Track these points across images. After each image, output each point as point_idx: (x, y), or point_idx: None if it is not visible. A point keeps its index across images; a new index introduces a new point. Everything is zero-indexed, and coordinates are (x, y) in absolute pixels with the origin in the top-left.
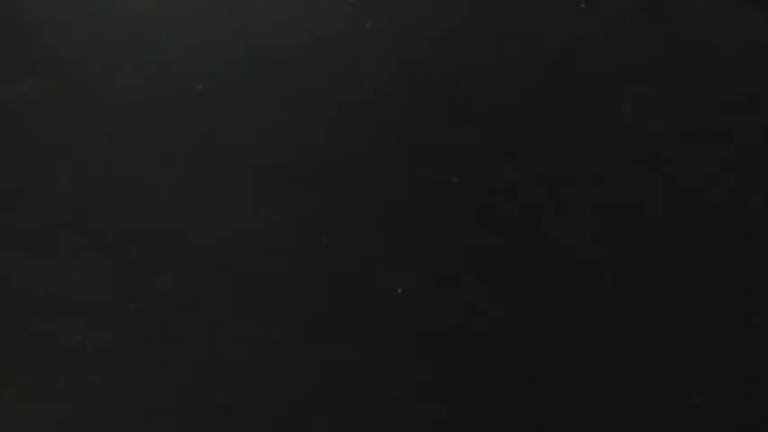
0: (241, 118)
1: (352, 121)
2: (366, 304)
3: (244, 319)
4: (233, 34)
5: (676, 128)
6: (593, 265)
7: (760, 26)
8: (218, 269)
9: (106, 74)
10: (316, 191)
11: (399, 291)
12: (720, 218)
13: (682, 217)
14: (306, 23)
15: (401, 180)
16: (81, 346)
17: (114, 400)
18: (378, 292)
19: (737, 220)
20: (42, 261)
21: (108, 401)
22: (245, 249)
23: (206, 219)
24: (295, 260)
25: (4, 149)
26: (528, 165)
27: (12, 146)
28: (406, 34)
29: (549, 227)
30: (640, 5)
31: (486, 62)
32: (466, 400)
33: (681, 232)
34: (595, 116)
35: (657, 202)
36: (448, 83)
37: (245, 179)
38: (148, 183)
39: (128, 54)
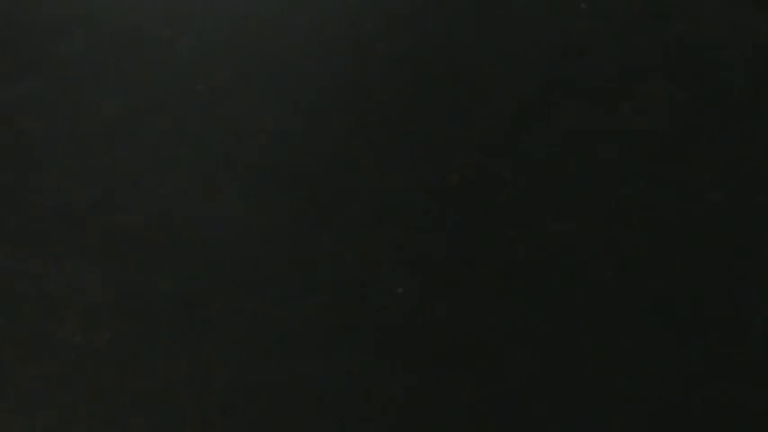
0: (241, 118)
1: (352, 120)
2: (366, 304)
3: (244, 319)
4: (233, 35)
5: (676, 128)
6: (593, 264)
7: (760, 26)
8: (218, 269)
9: (106, 74)
10: (315, 191)
11: (399, 290)
12: (720, 218)
13: (682, 217)
14: (306, 24)
15: (401, 180)
16: (81, 346)
17: (114, 399)
18: (378, 292)
19: (737, 220)
20: (42, 261)
21: (108, 401)
22: (246, 249)
23: (206, 219)
24: (295, 260)
25: (4, 149)
26: (528, 165)
27: (12, 146)
28: (406, 34)
29: (549, 227)
30: (640, 5)
31: (486, 62)
32: (466, 399)
33: (681, 232)
34: (595, 116)
35: (658, 201)
36: (448, 83)
37: (246, 179)
38: (148, 182)
39: (128, 54)
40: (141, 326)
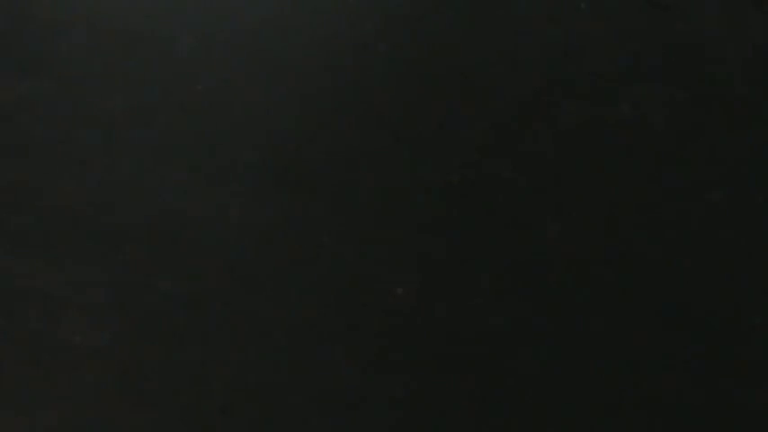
0: (241, 118)
1: (352, 120)
2: (366, 304)
3: (244, 319)
4: (233, 35)
5: (676, 128)
6: (593, 264)
7: (760, 26)
8: (218, 269)
9: (106, 74)
10: (315, 191)
11: (399, 291)
12: (720, 218)
13: (682, 217)
14: (306, 24)
15: (401, 180)
16: (81, 346)
17: (114, 399)
18: (378, 292)
19: (737, 220)
20: (42, 261)
21: (107, 401)
22: (246, 249)
23: (206, 219)
24: (295, 260)
25: (4, 149)
26: (528, 164)
27: (12, 146)
28: (406, 34)
29: (549, 227)
30: (640, 5)
31: (485, 62)
32: (466, 399)
33: (681, 232)
34: (595, 116)
35: (657, 202)
36: (448, 83)
37: (246, 179)
38: (148, 183)
39: (128, 54)
40: (141, 326)
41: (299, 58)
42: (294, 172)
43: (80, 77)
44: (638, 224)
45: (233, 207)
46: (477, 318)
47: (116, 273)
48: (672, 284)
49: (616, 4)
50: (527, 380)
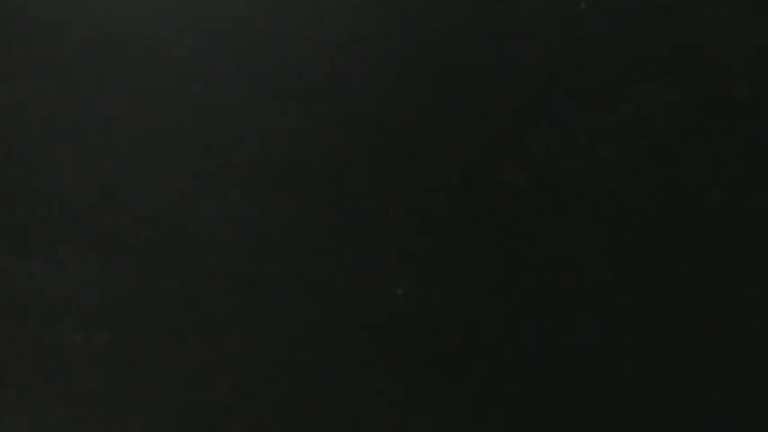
0: (241, 118)
1: (352, 121)
2: (366, 304)
3: (244, 319)
4: (233, 35)
5: (676, 128)
6: (592, 264)
7: (760, 26)
8: (219, 269)
9: (106, 74)
10: (315, 191)
11: (399, 291)
12: (720, 218)
13: (682, 217)
14: (306, 24)
15: (401, 180)
16: (81, 346)
17: (114, 399)
18: (378, 292)
19: (737, 220)
20: (42, 261)
21: (107, 401)
22: (246, 249)
23: (206, 218)
24: (295, 260)
25: (4, 149)
26: (528, 165)
27: (12, 146)
28: (406, 34)
29: (549, 227)
30: (640, 5)
31: (486, 62)
32: (466, 400)
33: (681, 232)
34: (595, 116)
35: (657, 202)
36: (448, 83)
37: (246, 179)
38: (148, 182)
39: (128, 54)
40: (141, 326)
41: (298, 59)
42: (294, 172)
43: (80, 77)
44: (638, 224)
45: (233, 207)
46: (477, 318)
47: (116, 273)
48: (672, 284)
49: (616, 4)
50: (527, 380)
